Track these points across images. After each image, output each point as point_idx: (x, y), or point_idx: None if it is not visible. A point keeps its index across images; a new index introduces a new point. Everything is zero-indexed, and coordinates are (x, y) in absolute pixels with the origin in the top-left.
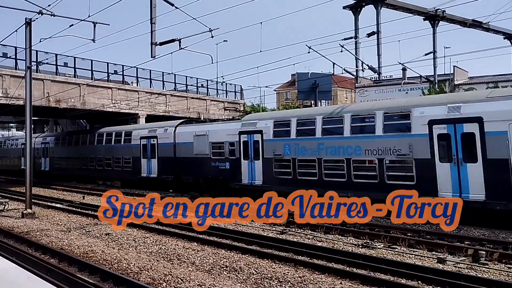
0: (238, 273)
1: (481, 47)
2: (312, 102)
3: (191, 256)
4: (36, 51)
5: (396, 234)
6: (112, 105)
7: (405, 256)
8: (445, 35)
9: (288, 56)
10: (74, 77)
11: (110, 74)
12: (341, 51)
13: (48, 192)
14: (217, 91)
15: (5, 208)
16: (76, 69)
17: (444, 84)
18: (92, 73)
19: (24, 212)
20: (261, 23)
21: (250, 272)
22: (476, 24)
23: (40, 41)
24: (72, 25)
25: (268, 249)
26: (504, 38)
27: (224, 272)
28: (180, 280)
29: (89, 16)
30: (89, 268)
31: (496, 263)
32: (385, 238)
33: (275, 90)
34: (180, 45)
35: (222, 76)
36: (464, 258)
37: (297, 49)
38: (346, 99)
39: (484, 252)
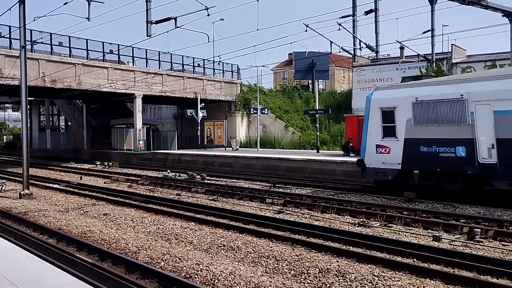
0: (236, 252)
1: (479, 25)
2: (310, 81)
3: (188, 236)
4: (31, 30)
5: (392, 213)
6: (108, 85)
7: (401, 234)
8: (444, 13)
9: (285, 35)
10: (70, 56)
11: (105, 54)
12: (339, 29)
13: (45, 172)
14: (214, 71)
15: (3, 188)
16: (71, 49)
17: (442, 63)
18: (87, 53)
19: (22, 192)
20: (257, 0)
21: (248, 251)
22: (474, 1)
23: (34, 20)
24: (67, 3)
25: (265, 228)
26: (503, 16)
27: (222, 251)
28: (178, 259)
29: None
30: (87, 248)
31: (491, 240)
32: (381, 216)
33: (272, 70)
34: (176, 24)
35: (218, 56)
36: (459, 236)
37: (294, 27)
38: (344, 78)
39: (479, 230)
